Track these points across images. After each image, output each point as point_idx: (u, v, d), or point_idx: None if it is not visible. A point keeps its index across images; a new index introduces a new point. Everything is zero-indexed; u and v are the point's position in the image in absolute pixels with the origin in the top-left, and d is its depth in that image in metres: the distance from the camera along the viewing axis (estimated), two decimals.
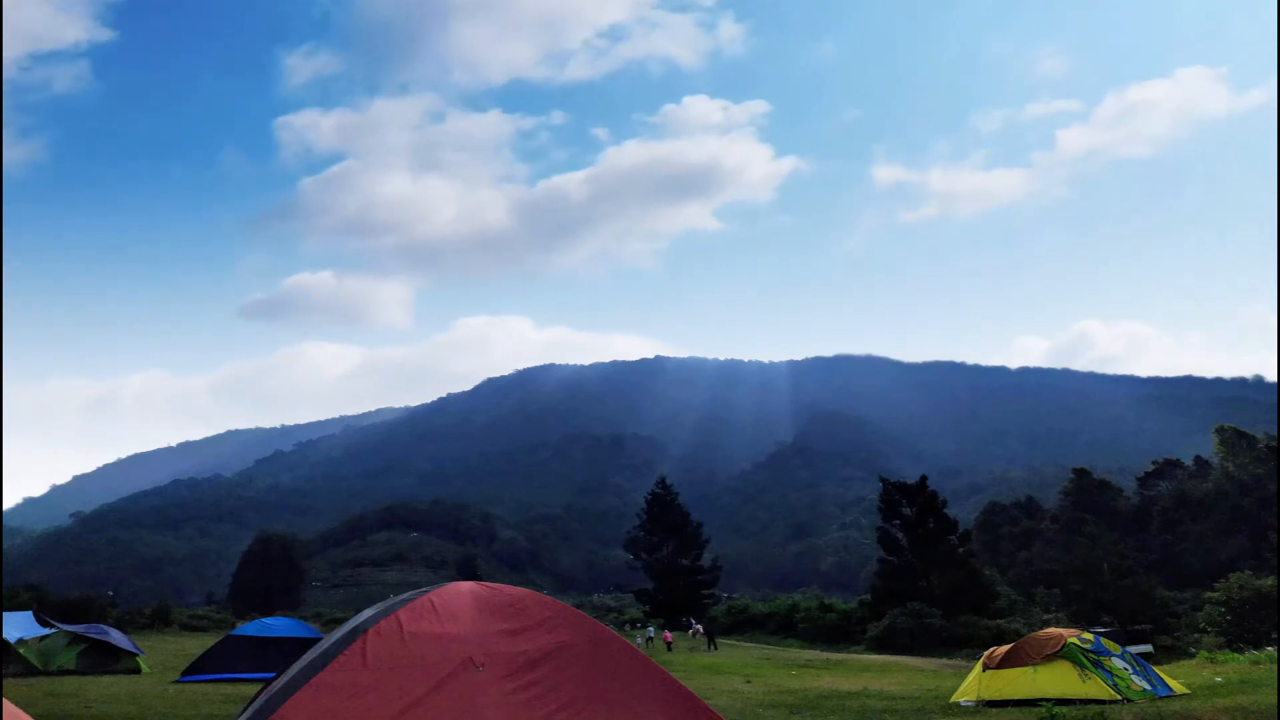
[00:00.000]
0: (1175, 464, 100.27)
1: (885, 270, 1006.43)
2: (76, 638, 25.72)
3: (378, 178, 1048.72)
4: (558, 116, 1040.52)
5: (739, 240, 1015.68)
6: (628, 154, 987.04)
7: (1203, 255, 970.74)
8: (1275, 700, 12.87)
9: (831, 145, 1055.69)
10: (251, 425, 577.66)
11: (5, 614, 25.11)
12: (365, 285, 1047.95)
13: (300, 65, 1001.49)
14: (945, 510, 64.60)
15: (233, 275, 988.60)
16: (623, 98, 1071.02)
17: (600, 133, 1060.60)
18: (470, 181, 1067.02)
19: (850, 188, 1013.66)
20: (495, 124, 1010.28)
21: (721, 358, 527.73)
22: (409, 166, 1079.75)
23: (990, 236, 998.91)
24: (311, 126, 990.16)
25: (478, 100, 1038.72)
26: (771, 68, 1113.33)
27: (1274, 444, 79.13)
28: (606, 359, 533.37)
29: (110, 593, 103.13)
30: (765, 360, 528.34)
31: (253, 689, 15.57)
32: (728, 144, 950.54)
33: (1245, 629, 40.32)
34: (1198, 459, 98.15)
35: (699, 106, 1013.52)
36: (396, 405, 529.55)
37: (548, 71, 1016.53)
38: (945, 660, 41.98)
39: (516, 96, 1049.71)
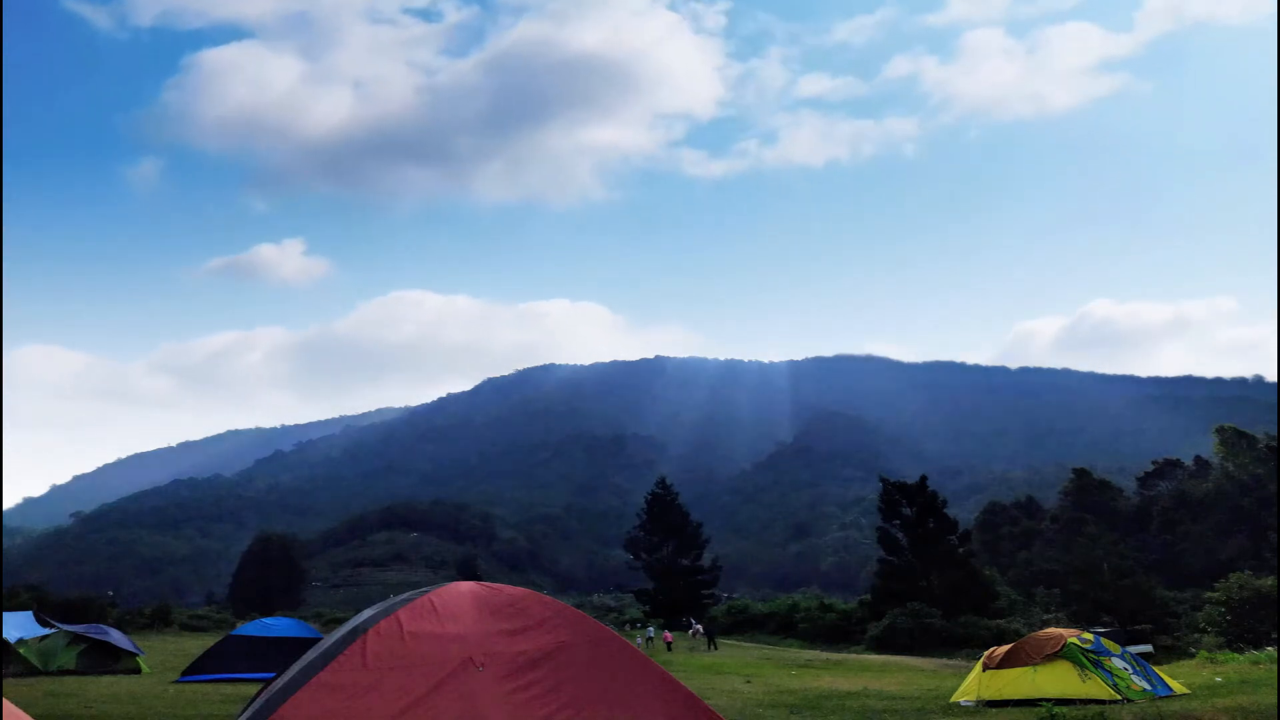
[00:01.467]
0: (1175, 464, 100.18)
1: (878, 208, 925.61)
2: (76, 638, 25.71)
3: (262, 60, 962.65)
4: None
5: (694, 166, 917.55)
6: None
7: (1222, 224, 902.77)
8: (1275, 700, 12.87)
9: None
10: (252, 425, 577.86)
11: (5, 614, 25.10)
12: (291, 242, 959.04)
13: None
14: (945, 510, 64.62)
15: (129, 196, 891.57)
16: None
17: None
18: (374, 71, 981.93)
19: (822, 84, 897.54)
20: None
21: (721, 358, 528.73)
22: (297, 47, 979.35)
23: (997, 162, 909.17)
24: None
25: None
26: None
27: (1274, 444, 79.04)
28: (591, 348, 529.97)
29: (110, 593, 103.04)
30: (765, 360, 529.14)
31: (253, 689, 15.59)
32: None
33: (1245, 629, 40.27)
34: (1198, 459, 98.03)
35: None
36: (396, 405, 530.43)
37: None
38: (945, 660, 41.96)
39: None
